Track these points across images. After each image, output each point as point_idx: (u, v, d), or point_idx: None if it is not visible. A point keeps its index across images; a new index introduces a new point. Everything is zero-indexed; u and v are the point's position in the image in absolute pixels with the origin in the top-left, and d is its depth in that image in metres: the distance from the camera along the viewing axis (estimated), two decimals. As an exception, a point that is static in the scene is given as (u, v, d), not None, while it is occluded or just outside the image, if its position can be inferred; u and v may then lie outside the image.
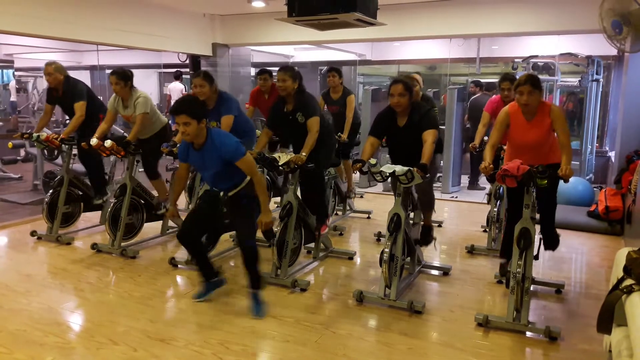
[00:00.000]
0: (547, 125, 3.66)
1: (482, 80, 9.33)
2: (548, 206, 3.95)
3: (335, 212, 6.31)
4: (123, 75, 5.01)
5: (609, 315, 2.13)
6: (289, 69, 4.45)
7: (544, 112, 3.66)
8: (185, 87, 11.33)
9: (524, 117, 3.71)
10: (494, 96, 5.32)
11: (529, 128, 3.71)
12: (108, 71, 12.61)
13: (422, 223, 4.61)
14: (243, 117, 5.15)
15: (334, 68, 6.37)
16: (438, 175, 8.07)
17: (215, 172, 3.62)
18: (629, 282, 2.07)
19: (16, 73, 13.81)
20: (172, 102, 11.65)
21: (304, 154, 4.19)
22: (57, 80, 5.39)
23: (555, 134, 3.68)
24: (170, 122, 5.55)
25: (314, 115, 4.37)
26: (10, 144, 7.34)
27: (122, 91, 5.04)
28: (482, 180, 8.66)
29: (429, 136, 3.86)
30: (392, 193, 3.94)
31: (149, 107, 5.07)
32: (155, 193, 5.52)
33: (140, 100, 5.03)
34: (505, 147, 4.35)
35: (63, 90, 5.45)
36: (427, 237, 4.63)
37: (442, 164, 7.73)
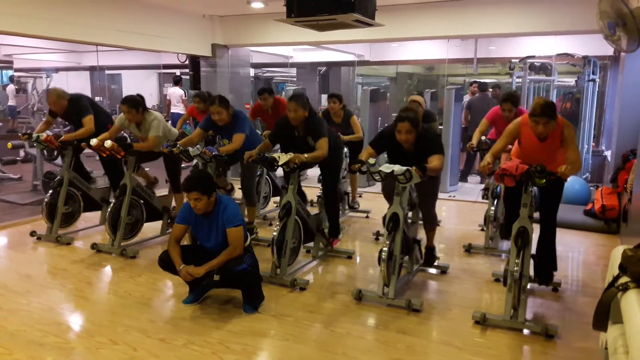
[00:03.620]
0: (558, 145, 3.65)
1: (481, 81, 9.40)
2: (550, 209, 3.94)
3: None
4: (134, 103, 5.05)
5: (605, 313, 2.15)
6: (299, 99, 4.47)
7: (556, 134, 3.63)
8: (185, 92, 11.32)
9: (536, 137, 3.68)
10: (496, 107, 5.36)
11: (540, 147, 3.71)
12: (108, 72, 12.69)
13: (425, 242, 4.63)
14: (255, 137, 5.20)
15: (335, 94, 6.31)
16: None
17: (220, 245, 3.61)
18: (624, 279, 2.09)
19: (16, 74, 13.80)
20: (172, 108, 11.69)
21: (306, 155, 4.21)
22: (63, 106, 5.47)
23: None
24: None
25: (323, 137, 4.42)
26: (9, 144, 7.35)
27: (134, 118, 5.10)
28: (471, 179, 8.83)
29: (435, 159, 3.83)
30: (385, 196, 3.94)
31: (161, 131, 5.13)
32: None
33: (155, 124, 5.09)
34: (501, 156, 4.40)
35: (67, 109, 5.52)
36: (430, 258, 4.62)
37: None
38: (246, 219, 5.18)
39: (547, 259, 4.00)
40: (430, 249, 4.62)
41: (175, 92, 11.31)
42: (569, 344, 3.28)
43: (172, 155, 4.88)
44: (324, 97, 11.15)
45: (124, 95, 5.27)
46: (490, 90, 9.15)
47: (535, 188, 3.69)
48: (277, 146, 4.89)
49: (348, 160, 6.45)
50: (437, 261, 4.63)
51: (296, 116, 4.43)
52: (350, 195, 6.59)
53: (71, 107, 5.49)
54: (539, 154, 3.72)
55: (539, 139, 3.69)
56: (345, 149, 6.21)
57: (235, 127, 4.86)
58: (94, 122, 5.42)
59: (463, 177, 8.88)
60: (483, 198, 5.45)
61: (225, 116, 4.81)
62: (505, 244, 5.14)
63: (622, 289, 2.05)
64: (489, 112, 5.42)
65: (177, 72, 12.13)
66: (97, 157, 5.73)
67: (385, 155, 4.30)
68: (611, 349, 2.08)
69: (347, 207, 6.61)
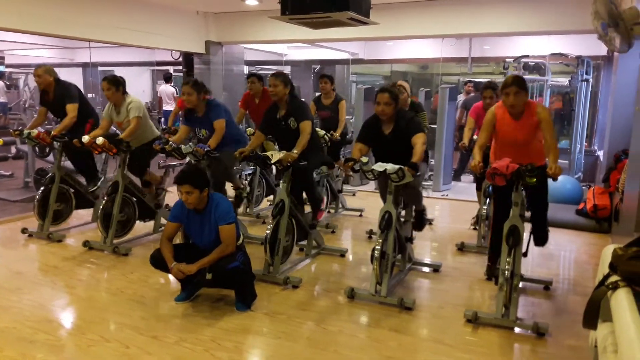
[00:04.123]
0: (534, 123, 3.69)
1: (477, 80, 9.44)
2: (540, 206, 3.99)
3: (327, 210, 6.34)
4: (114, 81, 5.06)
5: (595, 311, 2.16)
6: (280, 75, 4.53)
7: (530, 112, 3.70)
8: (176, 90, 11.28)
9: (510, 116, 3.75)
10: (478, 102, 5.39)
11: (515, 127, 3.75)
12: (100, 68, 12.63)
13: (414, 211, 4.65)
14: (234, 125, 5.21)
15: (326, 75, 6.42)
16: (430, 174, 8.15)
17: (212, 242, 3.60)
18: (614, 278, 2.10)
19: (7, 70, 13.70)
20: (164, 105, 11.58)
21: (295, 151, 4.22)
22: (47, 81, 5.39)
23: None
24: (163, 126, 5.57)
25: (306, 119, 4.44)
26: (0, 141, 7.30)
27: (114, 96, 5.08)
28: (465, 178, 8.88)
29: (418, 139, 3.89)
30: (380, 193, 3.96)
31: (141, 112, 5.10)
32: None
33: (133, 105, 5.07)
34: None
35: (54, 93, 5.45)
36: (421, 220, 4.65)
37: (427, 172, 7.78)
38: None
39: (541, 226, 4.04)
40: (420, 211, 4.65)
41: (166, 90, 11.26)
42: (559, 342, 3.31)
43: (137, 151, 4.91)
44: (314, 97, 11.18)
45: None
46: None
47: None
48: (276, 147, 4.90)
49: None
50: (429, 223, 4.61)
51: (275, 90, 4.44)
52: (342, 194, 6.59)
53: (58, 90, 5.43)
54: (514, 136, 3.74)
55: (514, 117, 3.73)
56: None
57: (211, 114, 4.84)
58: (79, 114, 5.37)
59: (456, 176, 8.91)
60: (472, 227, 5.44)
61: (195, 99, 4.76)
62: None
63: (612, 288, 2.06)
64: (472, 108, 5.46)
65: (171, 69, 12.08)
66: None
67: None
68: (600, 347, 2.09)
69: (341, 206, 6.61)
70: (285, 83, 4.46)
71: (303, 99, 4.78)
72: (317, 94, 6.94)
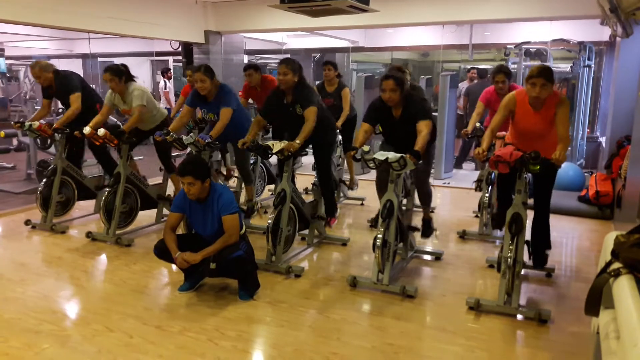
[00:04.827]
0: (552, 113, 3.60)
1: (480, 67, 9.40)
2: (543, 195, 3.95)
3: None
4: (117, 71, 5.01)
5: (597, 298, 2.17)
6: (289, 62, 4.44)
7: (551, 103, 3.60)
8: (165, 84, 11.16)
9: (530, 106, 3.67)
10: (489, 87, 5.31)
11: (535, 117, 3.67)
12: (100, 59, 12.58)
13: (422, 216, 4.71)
14: (243, 112, 5.17)
15: (329, 61, 6.37)
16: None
17: (215, 233, 3.60)
18: (616, 265, 2.11)
19: (7, 61, 13.66)
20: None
21: (297, 141, 4.20)
22: (47, 78, 5.40)
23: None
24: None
25: (312, 105, 4.36)
26: (2, 133, 7.30)
27: (117, 87, 5.05)
28: (466, 166, 8.87)
29: (424, 127, 3.86)
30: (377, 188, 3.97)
31: (145, 100, 5.07)
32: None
33: (136, 93, 5.04)
34: (495, 143, 4.41)
35: (55, 85, 5.45)
36: (427, 229, 4.69)
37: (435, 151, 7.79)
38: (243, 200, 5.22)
39: (541, 244, 4.03)
40: (427, 220, 4.68)
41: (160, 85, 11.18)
42: (561, 328, 3.32)
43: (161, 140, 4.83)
44: (318, 83, 11.11)
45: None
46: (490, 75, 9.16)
47: (529, 175, 3.70)
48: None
49: (342, 145, 6.46)
50: (434, 233, 4.66)
51: (285, 79, 4.37)
52: (347, 181, 6.58)
53: (58, 82, 5.42)
54: (532, 127, 3.69)
55: (534, 108, 3.66)
56: (339, 137, 6.21)
57: (222, 100, 4.79)
58: (84, 102, 5.36)
59: (458, 164, 8.88)
60: (476, 190, 5.46)
61: (209, 85, 4.74)
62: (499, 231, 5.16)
63: (614, 275, 2.06)
64: (483, 93, 5.32)
65: (170, 59, 12.02)
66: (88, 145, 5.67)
67: (380, 143, 4.31)
68: (603, 333, 2.10)
69: (342, 195, 6.61)
70: (294, 70, 4.39)
71: (310, 85, 4.69)
72: (317, 82, 6.90)
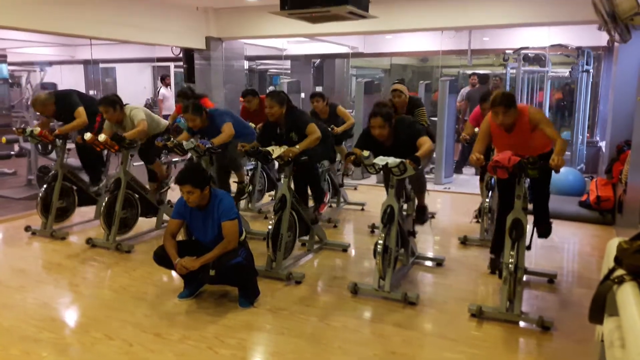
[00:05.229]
0: (527, 129, 3.66)
1: (481, 72, 9.48)
2: (541, 197, 3.98)
3: (329, 204, 6.34)
4: (110, 102, 5.04)
5: (601, 306, 2.15)
6: (274, 95, 4.55)
7: (522, 120, 3.66)
8: (160, 92, 11.19)
9: (504, 130, 3.71)
10: (476, 107, 5.40)
11: (510, 138, 3.73)
12: (102, 65, 12.60)
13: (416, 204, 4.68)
14: (240, 122, 5.24)
15: (317, 93, 6.32)
16: (431, 166, 8.14)
17: (216, 239, 3.59)
18: (620, 272, 2.09)
19: (9, 67, 13.67)
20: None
21: (297, 147, 4.21)
22: (50, 109, 5.47)
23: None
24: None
25: (309, 124, 4.46)
26: (3, 139, 7.30)
27: (114, 117, 5.08)
28: (467, 170, 8.88)
29: (423, 141, 3.89)
30: (385, 185, 3.96)
31: (144, 114, 5.12)
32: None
33: (134, 112, 5.08)
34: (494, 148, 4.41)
35: (58, 110, 5.52)
36: (422, 215, 4.68)
37: (434, 155, 7.80)
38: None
39: (543, 217, 4.02)
40: (422, 207, 4.68)
41: (165, 93, 11.15)
42: (565, 335, 3.30)
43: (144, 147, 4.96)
44: (319, 89, 11.14)
45: (118, 89, 5.27)
46: (495, 79, 9.25)
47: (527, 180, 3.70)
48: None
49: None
50: (430, 220, 4.64)
51: (271, 112, 4.48)
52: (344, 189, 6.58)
53: (61, 107, 5.47)
54: (511, 147, 3.69)
55: (506, 131, 3.71)
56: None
57: (216, 124, 4.86)
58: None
59: (458, 169, 8.89)
60: (476, 221, 5.36)
61: (199, 123, 4.84)
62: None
63: (618, 282, 2.04)
64: (472, 114, 5.48)
65: (171, 65, 12.02)
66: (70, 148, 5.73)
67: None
68: (607, 342, 2.08)
69: (342, 200, 6.61)
70: (280, 103, 4.48)
71: (299, 108, 4.83)
72: (317, 87, 6.89)
